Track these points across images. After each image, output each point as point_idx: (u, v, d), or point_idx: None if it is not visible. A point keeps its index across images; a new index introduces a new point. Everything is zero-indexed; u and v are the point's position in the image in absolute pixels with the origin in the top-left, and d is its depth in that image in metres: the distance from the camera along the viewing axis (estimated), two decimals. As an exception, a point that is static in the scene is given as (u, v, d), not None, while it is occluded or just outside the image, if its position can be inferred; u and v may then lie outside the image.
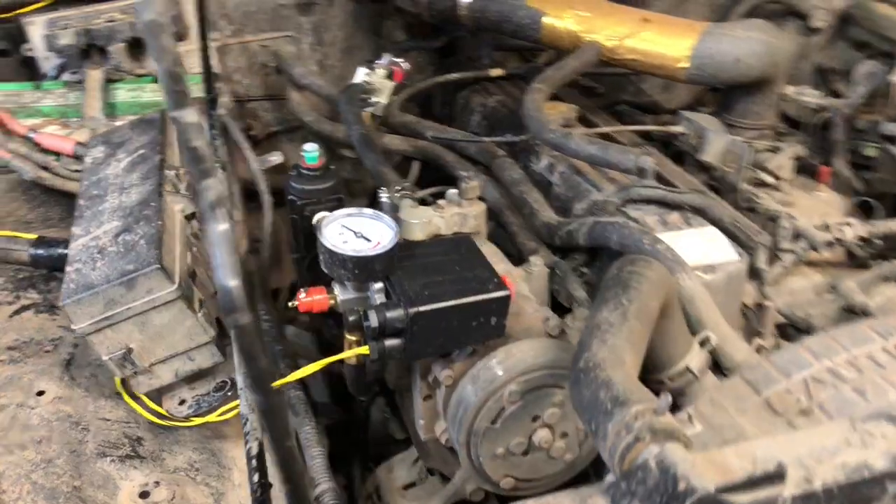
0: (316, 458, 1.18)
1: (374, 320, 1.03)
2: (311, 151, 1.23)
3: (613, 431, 0.76)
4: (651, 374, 1.20)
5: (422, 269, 1.10)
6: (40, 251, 1.34)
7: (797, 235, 1.53)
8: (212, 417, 1.15)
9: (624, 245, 1.29)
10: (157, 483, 1.08)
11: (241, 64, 2.09)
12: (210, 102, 1.47)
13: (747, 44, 1.66)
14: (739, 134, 1.83)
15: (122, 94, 1.79)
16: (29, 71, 1.96)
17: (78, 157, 1.54)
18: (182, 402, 1.20)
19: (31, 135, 1.57)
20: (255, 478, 0.96)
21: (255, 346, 0.58)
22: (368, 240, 1.07)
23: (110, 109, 1.72)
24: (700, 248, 1.33)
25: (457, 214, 1.39)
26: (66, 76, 1.84)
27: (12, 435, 1.09)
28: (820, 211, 1.71)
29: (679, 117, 1.77)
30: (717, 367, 1.24)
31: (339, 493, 1.17)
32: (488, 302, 1.08)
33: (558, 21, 1.82)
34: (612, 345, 0.93)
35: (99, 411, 1.17)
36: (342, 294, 1.09)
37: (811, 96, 1.83)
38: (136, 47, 1.88)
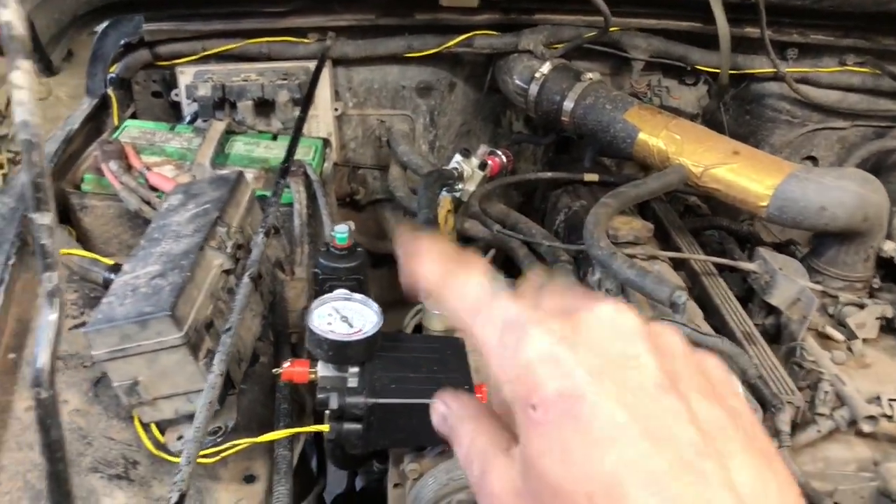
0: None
1: (333, 403, 1.09)
2: (341, 232, 1.32)
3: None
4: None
5: (400, 362, 1.15)
6: (113, 276, 1.51)
7: (841, 402, 1.43)
8: (195, 458, 1.24)
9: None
10: (135, 506, 1.19)
11: (357, 134, 2.25)
12: (282, 171, 1.60)
13: (836, 193, 1.59)
14: (827, 283, 1.74)
15: (239, 146, 1.97)
16: (176, 114, 2.22)
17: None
18: (180, 438, 1.31)
19: (145, 171, 1.77)
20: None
21: (54, 418, 0.71)
22: (351, 325, 1.13)
23: (223, 159, 1.91)
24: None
25: (479, 314, 1.43)
26: (198, 123, 2.07)
27: (28, 434, 1.24)
28: (897, 380, 1.59)
29: (756, 255, 1.72)
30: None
31: None
32: (452, 407, 1.10)
33: (651, 139, 1.83)
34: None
35: (108, 430, 1.30)
36: (322, 371, 1.15)
37: (908, 257, 1.71)
38: (262, 106, 2.08)
